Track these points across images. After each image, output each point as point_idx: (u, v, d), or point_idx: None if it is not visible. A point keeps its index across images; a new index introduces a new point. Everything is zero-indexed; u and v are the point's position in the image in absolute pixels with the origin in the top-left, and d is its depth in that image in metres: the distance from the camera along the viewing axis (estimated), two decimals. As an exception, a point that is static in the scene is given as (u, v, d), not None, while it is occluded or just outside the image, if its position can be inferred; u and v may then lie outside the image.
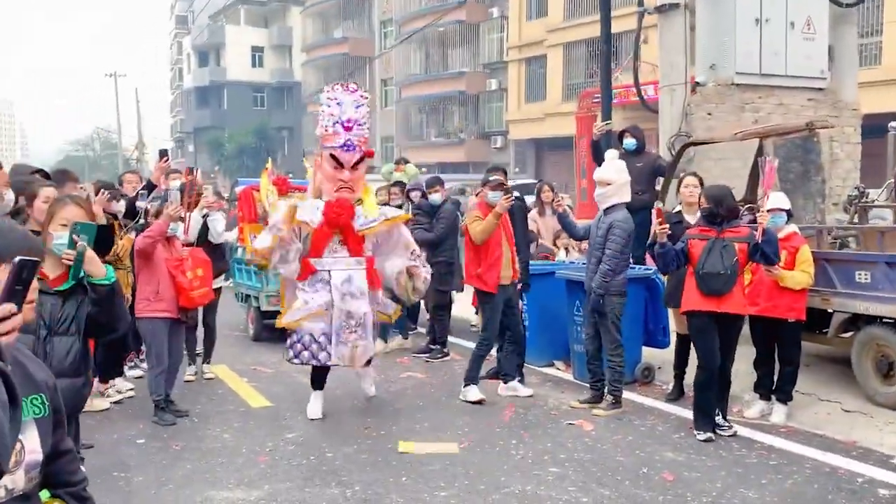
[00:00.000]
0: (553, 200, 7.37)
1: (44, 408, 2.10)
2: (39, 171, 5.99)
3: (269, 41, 59.06)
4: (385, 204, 9.59)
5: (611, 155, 7.01)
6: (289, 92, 57.29)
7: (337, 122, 6.37)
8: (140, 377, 7.48)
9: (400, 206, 9.59)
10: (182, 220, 6.67)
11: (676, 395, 6.95)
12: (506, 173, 7.12)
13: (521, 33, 32.88)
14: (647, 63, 18.29)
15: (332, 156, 6.35)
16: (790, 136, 7.98)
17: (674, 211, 6.85)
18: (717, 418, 5.96)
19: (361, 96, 6.53)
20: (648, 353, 7.68)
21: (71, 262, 3.53)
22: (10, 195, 5.27)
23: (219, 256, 8.32)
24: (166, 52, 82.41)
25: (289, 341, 6.48)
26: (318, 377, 6.59)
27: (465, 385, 6.99)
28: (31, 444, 2.01)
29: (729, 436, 5.85)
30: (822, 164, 8.58)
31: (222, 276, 8.41)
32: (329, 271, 6.31)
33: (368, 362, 6.79)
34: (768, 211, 5.95)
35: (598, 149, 9.23)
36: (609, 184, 6.65)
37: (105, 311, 3.64)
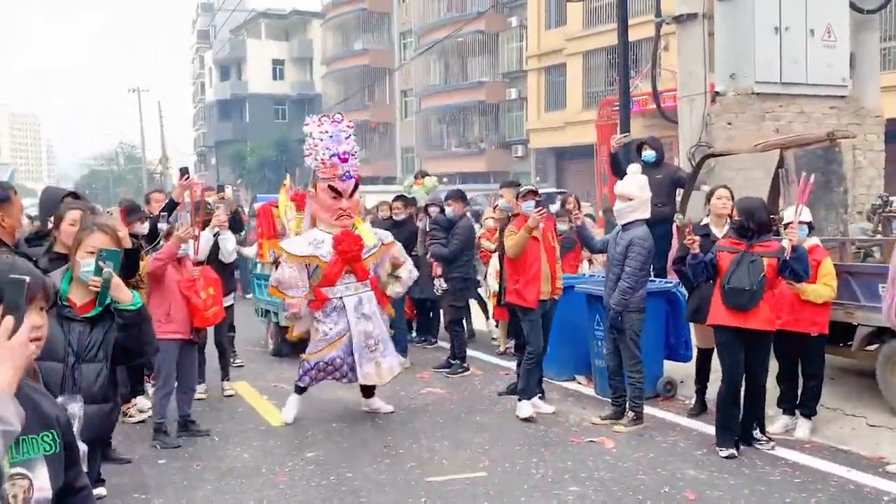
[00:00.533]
0: (571, 213, 7.32)
1: (55, 445, 2.10)
2: (71, 193, 6.06)
3: (289, 54, 59.48)
4: (388, 219, 9.63)
5: (633, 169, 6.93)
6: (310, 104, 57.58)
7: (334, 155, 6.74)
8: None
9: (404, 221, 9.58)
10: (195, 238, 6.72)
11: (698, 410, 6.87)
12: (519, 185, 7.11)
13: (540, 42, 32.86)
14: (667, 70, 18.23)
15: (331, 187, 6.75)
16: (811, 146, 7.89)
17: (701, 223, 6.76)
18: (754, 432, 5.91)
19: (348, 126, 6.95)
20: (670, 368, 7.61)
21: (98, 289, 3.57)
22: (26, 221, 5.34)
23: (228, 275, 8.39)
24: (188, 66, 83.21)
25: (302, 369, 6.78)
26: (303, 387, 6.96)
27: (519, 400, 6.93)
28: (41, 482, 2.00)
29: (768, 450, 5.79)
30: (844, 175, 8.48)
31: (231, 295, 8.42)
32: (341, 298, 6.72)
33: (372, 391, 7.15)
34: (787, 224, 5.88)
35: (616, 161, 9.19)
36: (630, 199, 6.60)
37: (133, 336, 3.68)
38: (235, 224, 9.27)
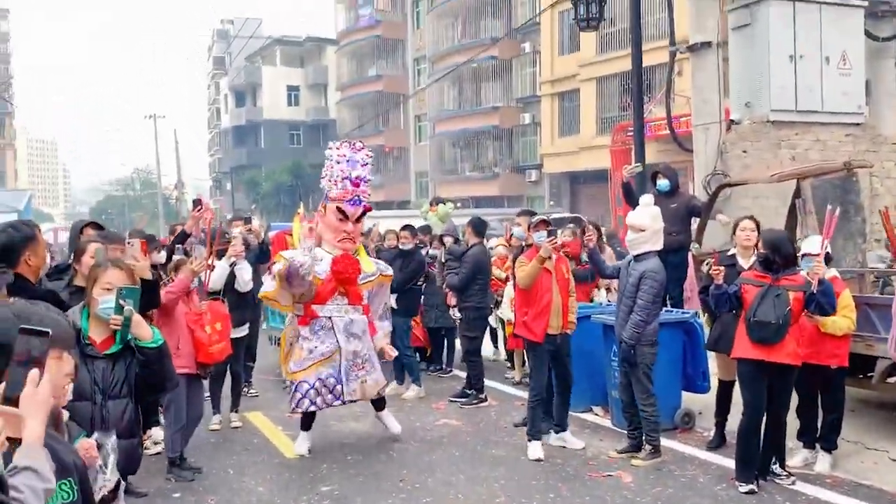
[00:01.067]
0: (585, 235, 7.23)
1: (72, 492, 2.10)
2: (92, 223, 6.12)
3: (304, 80, 59.92)
4: (395, 248, 9.62)
5: (646, 200, 6.87)
6: (324, 129, 57.94)
7: (346, 178, 6.91)
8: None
9: (411, 251, 9.53)
10: (210, 268, 6.74)
11: (717, 442, 6.78)
12: (533, 213, 7.10)
13: (553, 68, 32.98)
14: (680, 95, 18.23)
15: (340, 209, 6.89)
16: (828, 175, 7.86)
17: (728, 254, 6.69)
18: (774, 467, 5.83)
19: (367, 155, 7.11)
20: (689, 399, 7.54)
21: (119, 328, 3.59)
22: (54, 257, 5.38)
23: (245, 305, 8.36)
24: (204, 92, 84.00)
25: (300, 392, 6.78)
26: (307, 420, 6.96)
27: (529, 440, 6.81)
28: None
29: (788, 485, 5.71)
30: (862, 204, 8.42)
31: (246, 325, 8.39)
32: (331, 318, 6.81)
33: (382, 404, 7.29)
34: (803, 256, 5.83)
35: (629, 190, 9.17)
36: (643, 230, 6.53)
37: (155, 372, 3.71)
38: (263, 255, 9.29)
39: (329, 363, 6.75)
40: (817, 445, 6.21)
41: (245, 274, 8.08)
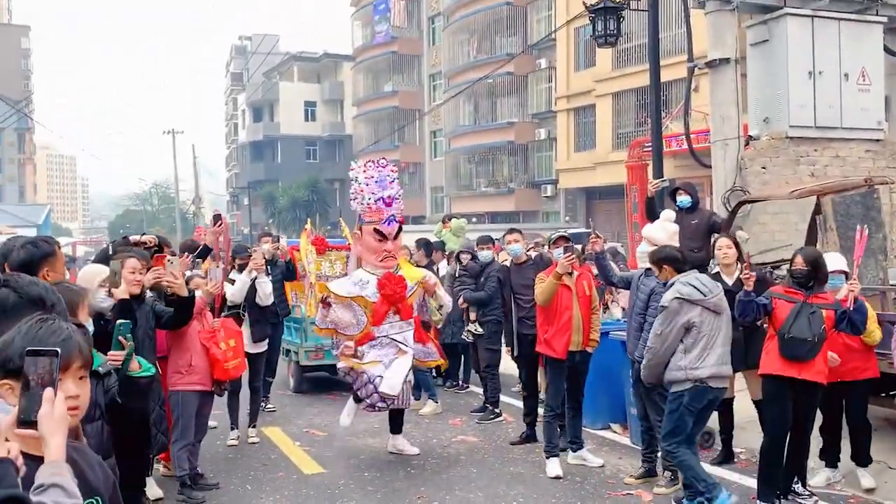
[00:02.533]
0: (591, 240, 7.15)
1: None
2: (124, 238, 6.26)
3: (321, 96, 60.28)
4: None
5: (667, 215, 6.84)
6: (340, 144, 58.26)
7: (379, 199, 7.03)
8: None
9: (426, 265, 9.64)
10: (231, 281, 6.80)
11: (722, 458, 6.78)
12: (568, 239, 6.95)
13: (569, 83, 33.00)
14: (697, 111, 18.18)
15: (377, 230, 7.02)
16: (848, 192, 7.81)
17: (711, 272, 6.62)
18: (796, 486, 5.76)
19: (392, 170, 7.25)
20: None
21: (119, 364, 3.59)
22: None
23: (265, 320, 8.37)
24: (222, 108, 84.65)
25: (361, 382, 6.89)
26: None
27: (547, 457, 6.80)
28: None
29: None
30: (883, 220, 8.36)
31: (266, 340, 8.39)
32: (388, 335, 6.95)
33: (399, 426, 7.32)
34: (829, 273, 5.78)
35: (652, 206, 9.11)
36: (656, 245, 6.45)
37: (141, 400, 3.73)
38: (290, 273, 9.44)
39: (381, 365, 6.86)
40: (838, 465, 6.11)
41: (266, 288, 8.10)
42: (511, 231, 8.09)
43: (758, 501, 5.64)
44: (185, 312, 5.63)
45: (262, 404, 9.11)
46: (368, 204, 7.03)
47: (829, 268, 5.86)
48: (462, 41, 41.11)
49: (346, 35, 54.90)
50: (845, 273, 6.01)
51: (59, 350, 1.92)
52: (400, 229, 7.19)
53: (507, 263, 8.16)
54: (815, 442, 6.29)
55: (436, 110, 42.67)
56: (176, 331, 6.08)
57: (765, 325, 5.78)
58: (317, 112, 60.37)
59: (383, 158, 7.44)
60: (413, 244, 10.46)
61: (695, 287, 5.62)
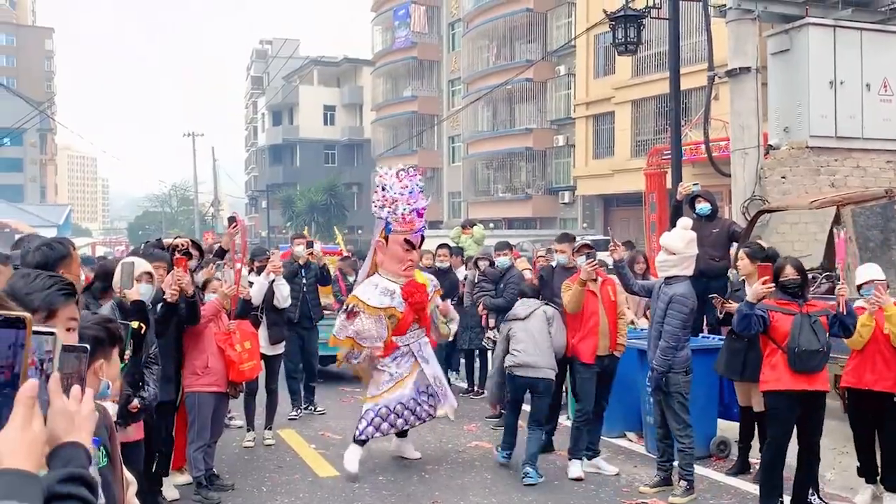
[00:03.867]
0: (610, 249, 7.10)
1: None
2: (158, 240, 6.45)
3: (340, 100, 60.55)
4: (429, 267, 9.67)
5: (684, 223, 6.73)
6: (359, 149, 58.48)
7: (413, 211, 6.99)
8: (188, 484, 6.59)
9: (448, 269, 9.70)
10: (236, 296, 6.73)
11: (738, 469, 6.74)
12: (590, 247, 6.93)
13: (588, 90, 32.98)
14: (717, 119, 18.12)
15: (408, 240, 6.98)
16: (869, 203, 7.76)
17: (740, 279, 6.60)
18: (812, 498, 5.71)
19: (419, 181, 7.24)
20: (724, 427, 7.44)
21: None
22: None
23: (284, 321, 8.43)
24: (242, 111, 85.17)
25: (365, 420, 6.82)
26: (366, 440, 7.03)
27: (570, 459, 6.85)
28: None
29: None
30: (904, 232, 8.29)
31: (283, 343, 8.43)
32: (409, 345, 6.96)
33: (406, 430, 7.27)
34: (864, 284, 5.77)
35: (680, 211, 9.04)
36: (674, 253, 6.35)
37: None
38: (324, 278, 9.60)
39: (402, 385, 6.89)
40: (881, 484, 6.00)
41: (283, 290, 8.13)
42: (563, 238, 7.93)
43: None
44: (190, 311, 5.84)
45: (312, 408, 9.37)
46: (403, 214, 6.98)
47: (865, 278, 5.83)
48: (481, 47, 41.19)
49: (367, 40, 55.16)
50: (885, 282, 5.95)
51: (88, 347, 1.96)
52: (423, 239, 7.30)
53: (554, 265, 7.97)
54: (833, 451, 6.26)
55: (454, 116, 42.75)
56: (191, 333, 6.16)
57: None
58: (336, 116, 60.65)
59: (412, 167, 7.40)
60: (435, 248, 10.39)
61: None
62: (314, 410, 9.31)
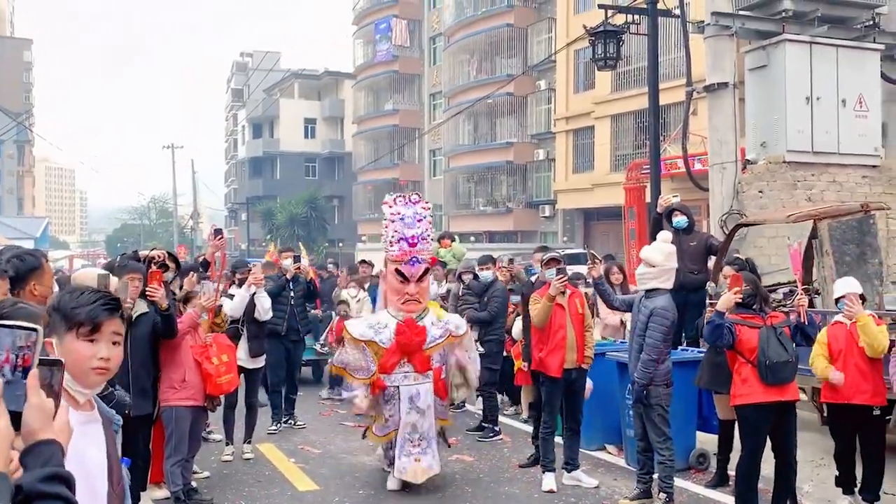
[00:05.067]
0: (588, 266, 7.15)
1: None
2: (134, 252, 6.47)
3: (321, 113, 60.51)
4: None
5: (663, 237, 6.78)
6: (340, 162, 58.41)
7: (402, 239, 6.46)
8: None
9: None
10: (213, 308, 6.68)
11: (717, 481, 6.77)
12: (559, 261, 6.96)
13: (568, 105, 33.19)
14: (695, 134, 18.29)
15: (399, 270, 6.45)
16: (845, 217, 7.85)
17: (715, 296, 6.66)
18: None
19: (423, 207, 6.60)
20: (703, 439, 7.48)
21: None
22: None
23: (264, 334, 8.40)
24: (222, 124, 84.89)
25: (389, 452, 6.68)
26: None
27: (543, 471, 6.87)
28: None
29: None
30: (879, 246, 8.40)
31: (263, 356, 8.41)
32: (398, 387, 6.42)
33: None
34: (841, 297, 5.90)
35: (659, 224, 9.11)
36: (653, 266, 6.35)
37: None
38: (312, 294, 9.60)
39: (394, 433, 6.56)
40: (859, 495, 6.05)
41: (265, 303, 8.11)
42: (540, 250, 8.10)
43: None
44: (166, 325, 5.80)
45: (291, 422, 9.30)
46: (390, 241, 6.52)
47: (842, 291, 5.92)
48: (462, 61, 41.35)
49: (348, 53, 55.24)
50: (861, 296, 6.03)
51: (62, 360, 1.94)
52: (426, 272, 6.61)
53: (533, 279, 8.10)
54: (811, 464, 6.31)
55: (435, 129, 42.86)
56: (168, 347, 6.10)
57: None
58: (317, 129, 60.58)
59: (416, 194, 6.84)
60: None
61: None
62: (294, 424, 9.27)
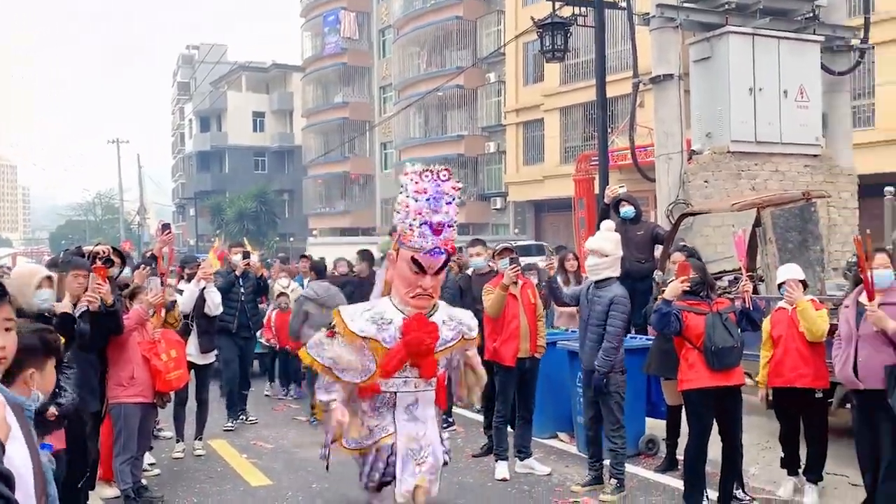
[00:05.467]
0: (547, 264, 7.25)
1: None
2: (77, 248, 6.23)
3: (269, 106, 59.91)
4: (346, 275, 9.53)
5: (607, 226, 6.86)
6: (289, 155, 57.91)
7: (425, 224, 4.86)
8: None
9: (364, 279, 9.50)
10: (179, 291, 6.67)
11: (666, 466, 6.91)
12: (512, 251, 6.97)
13: (518, 98, 33.35)
14: (643, 126, 18.54)
15: (415, 259, 4.83)
16: (787, 205, 8.04)
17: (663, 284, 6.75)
18: (736, 492, 5.89)
19: (454, 188, 4.96)
20: (652, 424, 7.61)
21: None
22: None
23: (215, 330, 8.31)
24: (168, 117, 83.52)
25: (365, 468, 4.74)
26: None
27: (496, 460, 6.95)
28: None
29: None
30: (820, 233, 8.62)
31: (214, 352, 8.33)
32: (395, 393, 4.77)
33: None
34: (784, 283, 6.04)
35: (607, 214, 9.21)
36: (606, 255, 6.39)
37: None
38: (262, 289, 9.63)
39: (384, 444, 4.67)
40: (803, 476, 6.20)
41: (214, 297, 8.03)
42: (473, 243, 8.04)
43: (685, 504, 5.77)
44: (112, 321, 5.70)
45: (243, 417, 9.23)
46: (410, 225, 4.85)
47: (784, 277, 6.06)
48: (412, 54, 41.27)
49: (296, 45, 54.73)
50: (803, 282, 6.17)
51: None
52: (446, 263, 4.93)
53: (469, 272, 8.12)
54: (756, 447, 6.46)
55: (386, 122, 42.74)
56: (115, 344, 6.01)
57: None
58: (265, 123, 59.97)
59: (446, 170, 4.98)
60: (355, 255, 10.43)
61: None
62: (245, 420, 9.20)
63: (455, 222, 4.94)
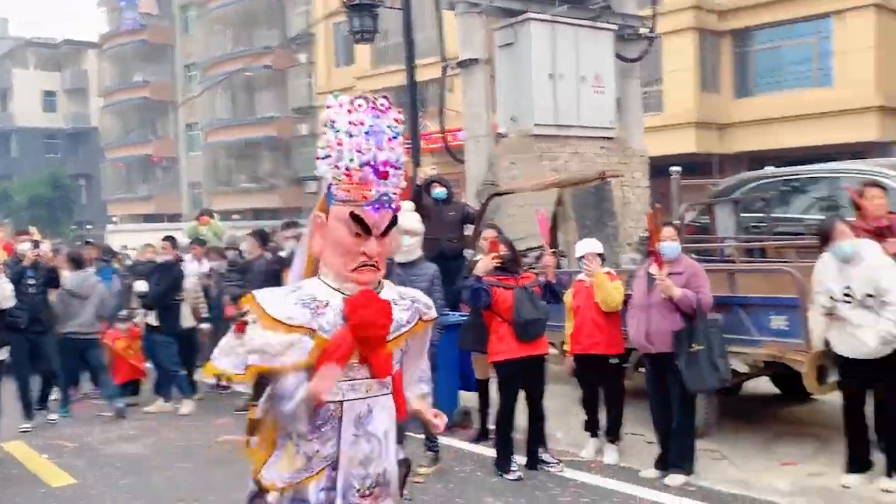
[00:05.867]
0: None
1: None
2: None
3: (62, 85, 55.86)
4: (150, 262, 9.15)
5: (408, 206, 6.89)
6: (85, 138, 54.30)
7: (366, 165, 3.29)
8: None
9: (169, 264, 9.10)
10: None
11: (479, 436, 7.17)
12: (295, 225, 6.93)
13: (330, 79, 33.08)
14: (452, 110, 18.97)
15: (355, 215, 3.27)
16: (585, 185, 8.52)
17: (475, 258, 6.96)
18: (543, 455, 6.20)
19: (396, 120, 3.27)
20: (466, 397, 7.85)
21: None
22: None
23: (3, 324, 7.74)
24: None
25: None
26: None
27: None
28: None
29: (558, 472, 6.10)
30: (616, 211, 9.22)
31: (7, 347, 7.77)
32: (342, 402, 3.13)
33: None
34: (582, 257, 6.43)
35: (419, 196, 9.31)
36: (418, 234, 6.45)
37: None
38: (53, 279, 8.80)
39: (323, 475, 2.99)
40: (604, 437, 6.61)
41: (5, 288, 7.47)
42: (286, 226, 7.93)
43: (501, 473, 6.04)
44: None
45: (55, 417, 8.76)
46: (348, 169, 3.23)
47: (583, 251, 6.43)
48: (217, 32, 39.88)
49: (92, 21, 51.30)
50: (601, 255, 6.58)
51: None
52: (393, 224, 3.28)
53: (283, 255, 7.98)
54: (562, 412, 6.83)
55: (191, 103, 41.08)
56: None
57: None
58: (57, 102, 55.88)
59: (385, 97, 3.28)
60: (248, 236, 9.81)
61: None
62: (45, 419, 8.62)
63: (403, 164, 3.40)
